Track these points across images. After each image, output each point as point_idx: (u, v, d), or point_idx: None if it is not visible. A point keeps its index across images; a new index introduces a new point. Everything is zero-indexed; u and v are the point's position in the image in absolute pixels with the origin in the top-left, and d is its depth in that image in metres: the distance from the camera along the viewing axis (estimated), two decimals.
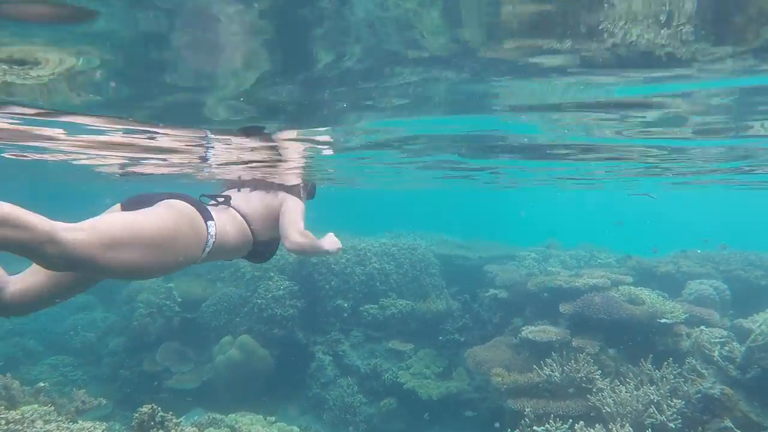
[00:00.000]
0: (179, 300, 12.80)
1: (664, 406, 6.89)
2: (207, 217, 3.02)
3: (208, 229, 2.98)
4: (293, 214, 3.65)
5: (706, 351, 7.59)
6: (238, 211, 3.52)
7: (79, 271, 2.52)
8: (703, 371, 7.38)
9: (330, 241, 3.75)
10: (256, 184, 4.07)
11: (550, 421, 7.23)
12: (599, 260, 13.33)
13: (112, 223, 2.57)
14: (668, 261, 11.79)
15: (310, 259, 12.26)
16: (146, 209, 2.83)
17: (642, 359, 7.79)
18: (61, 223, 2.33)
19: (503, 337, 9.55)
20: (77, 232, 2.33)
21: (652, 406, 6.94)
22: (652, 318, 8.18)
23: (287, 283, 11.99)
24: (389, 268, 12.56)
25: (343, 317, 11.83)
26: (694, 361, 7.45)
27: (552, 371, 7.83)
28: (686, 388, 7.10)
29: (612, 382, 7.72)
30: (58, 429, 5.24)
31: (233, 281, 13.52)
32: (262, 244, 3.71)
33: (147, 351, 12.26)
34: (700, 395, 7.02)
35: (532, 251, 14.56)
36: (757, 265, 12.10)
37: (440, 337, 11.07)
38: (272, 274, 12.37)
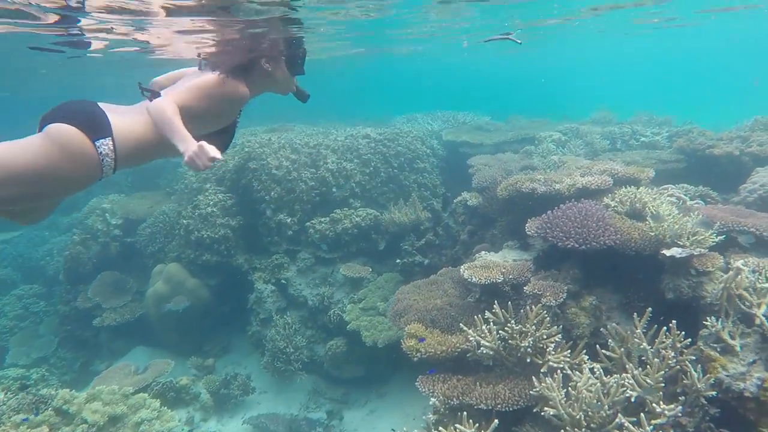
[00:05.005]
0: (116, 222, 10.87)
1: (652, 408, 3.89)
2: (99, 134, 2.72)
3: (98, 149, 2.71)
4: (186, 84, 3.02)
5: (744, 305, 4.28)
6: None
7: None
8: (734, 342, 4.14)
9: (193, 143, 2.72)
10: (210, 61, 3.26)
11: (462, 422, 4.45)
12: (643, 138, 9.50)
13: None
14: (733, 136, 7.82)
15: (249, 165, 9.64)
16: (25, 141, 2.66)
17: (636, 314, 4.63)
18: None
19: (452, 269, 6.60)
20: None
21: (619, 413, 3.94)
22: (657, 245, 4.85)
23: (220, 196, 9.56)
24: (350, 167, 9.65)
25: (288, 236, 9.29)
26: (717, 324, 4.21)
27: (481, 335, 4.91)
28: (695, 377, 3.97)
29: (577, 356, 4.70)
30: None
31: (183, 193, 11.30)
32: (205, 138, 2.86)
33: (85, 282, 10.62)
34: (716, 392, 3.91)
35: (561, 129, 10.91)
36: None
37: (398, 260, 8.29)
38: (209, 185, 9.96)
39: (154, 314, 9.49)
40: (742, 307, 4.27)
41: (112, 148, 2.75)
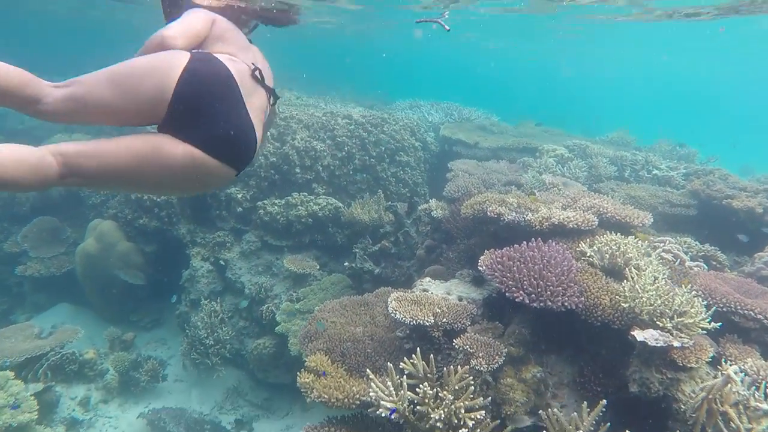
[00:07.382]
0: None
1: None
2: (245, 165, 2.58)
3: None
4: None
5: (728, 428, 3.14)
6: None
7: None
8: None
9: None
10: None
11: None
12: (656, 171, 8.25)
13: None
14: (759, 188, 6.56)
15: None
16: (168, 158, 2.23)
17: (585, 404, 3.51)
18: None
19: (390, 291, 5.49)
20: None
21: None
22: (631, 321, 3.71)
23: None
24: (320, 147, 8.51)
25: (237, 212, 8.23)
26: None
27: (385, 391, 3.81)
28: None
29: None
30: None
31: None
32: None
33: (20, 224, 9.67)
34: None
35: (568, 145, 9.69)
36: None
37: (345, 263, 7.21)
38: None
39: (81, 272, 8.52)
40: (725, 430, 3.14)
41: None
